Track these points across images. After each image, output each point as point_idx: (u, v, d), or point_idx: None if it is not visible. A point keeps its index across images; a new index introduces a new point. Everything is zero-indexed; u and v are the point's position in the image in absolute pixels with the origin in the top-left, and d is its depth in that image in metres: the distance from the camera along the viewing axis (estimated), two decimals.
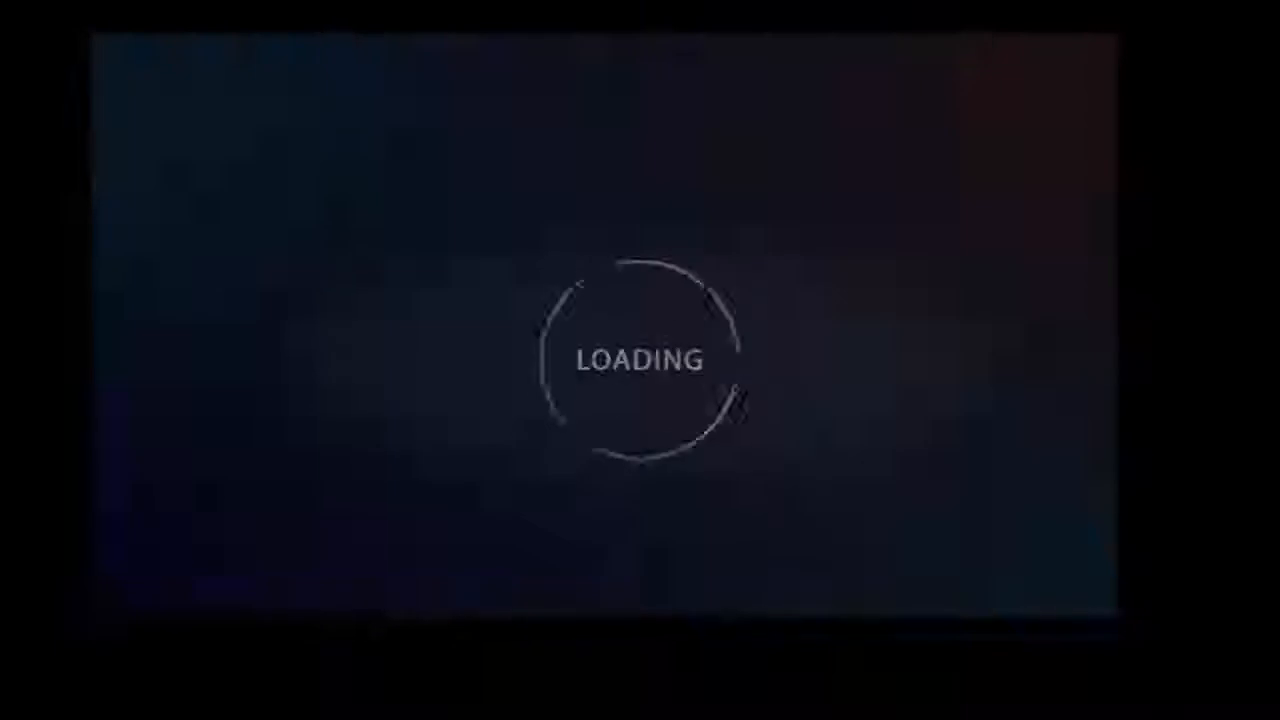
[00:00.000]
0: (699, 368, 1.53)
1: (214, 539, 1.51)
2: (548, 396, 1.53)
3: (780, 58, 1.52)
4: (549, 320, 1.53)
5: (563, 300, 1.53)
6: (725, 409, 1.53)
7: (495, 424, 1.52)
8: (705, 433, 1.53)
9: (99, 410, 1.51)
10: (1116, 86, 1.52)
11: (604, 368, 1.53)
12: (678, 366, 1.53)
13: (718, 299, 1.53)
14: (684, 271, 1.53)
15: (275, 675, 1.51)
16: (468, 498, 1.52)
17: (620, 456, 1.53)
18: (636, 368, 1.53)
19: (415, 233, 1.53)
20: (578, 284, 1.53)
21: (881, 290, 1.52)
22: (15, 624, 1.50)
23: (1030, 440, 1.52)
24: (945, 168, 1.53)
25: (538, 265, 1.53)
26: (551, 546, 1.52)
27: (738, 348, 1.53)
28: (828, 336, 1.52)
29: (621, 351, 1.53)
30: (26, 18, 1.51)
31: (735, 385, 1.53)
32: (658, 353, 1.53)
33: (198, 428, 1.51)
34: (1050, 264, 1.52)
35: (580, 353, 1.53)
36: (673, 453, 1.52)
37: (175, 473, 1.51)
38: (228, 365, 1.52)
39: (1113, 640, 1.50)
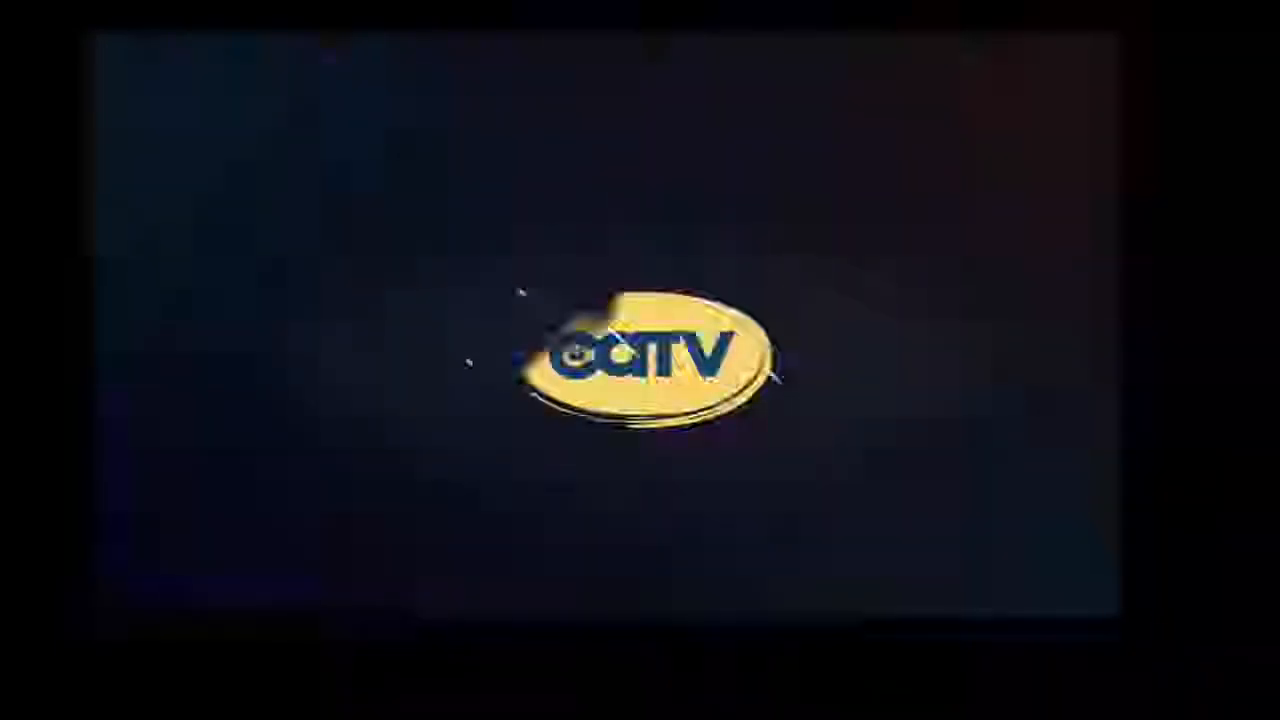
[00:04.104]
0: (698, 366, 1.53)
1: (214, 539, 1.51)
2: (549, 395, 1.53)
3: (781, 57, 1.53)
4: (551, 322, 1.53)
5: (564, 300, 1.53)
6: (725, 410, 1.53)
7: (495, 425, 1.52)
8: (704, 435, 1.53)
9: (99, 410, 1.51)
10: (1117, 86, 1.52)
11: (603, 367, 1.53)
12: (678, 365, 1.53)
13: (717, 299, 1.53)
14: (682, 271, 1.53)
15: (274, 675, 1.51)
16: (468, 498, 1.52)
17: (620, 457, 1.53)
18: (637, 366, 1.53)
19: (415, 233, 1.53)
20: (577, 283, 1.53)
21: (882, 291, 1.52)
22: (15, 624, 1.50)
23: (1032, 440, 1.51)
24: (946, 167, 1.53)
25: (538, 264, 1.53)
26: (552, 547, 1.52)
27: (738, 350, 1.53)
28: (827, 337, 1.52)
29: (621, 350, 1.53)
30: (27, 17, 1.51)
31: (735, 386, 1.53)
32: (657, 350, 1.53)
33: (198, 427, 1.51)
34: (1052, 264, 1.52)
35: (579, 350, 1.53)
36: (672, 454, 1.52)
37: (175, 473, 1.51)
38: (228, 365, 1.52)
39: (1114, 640, 1.50)
